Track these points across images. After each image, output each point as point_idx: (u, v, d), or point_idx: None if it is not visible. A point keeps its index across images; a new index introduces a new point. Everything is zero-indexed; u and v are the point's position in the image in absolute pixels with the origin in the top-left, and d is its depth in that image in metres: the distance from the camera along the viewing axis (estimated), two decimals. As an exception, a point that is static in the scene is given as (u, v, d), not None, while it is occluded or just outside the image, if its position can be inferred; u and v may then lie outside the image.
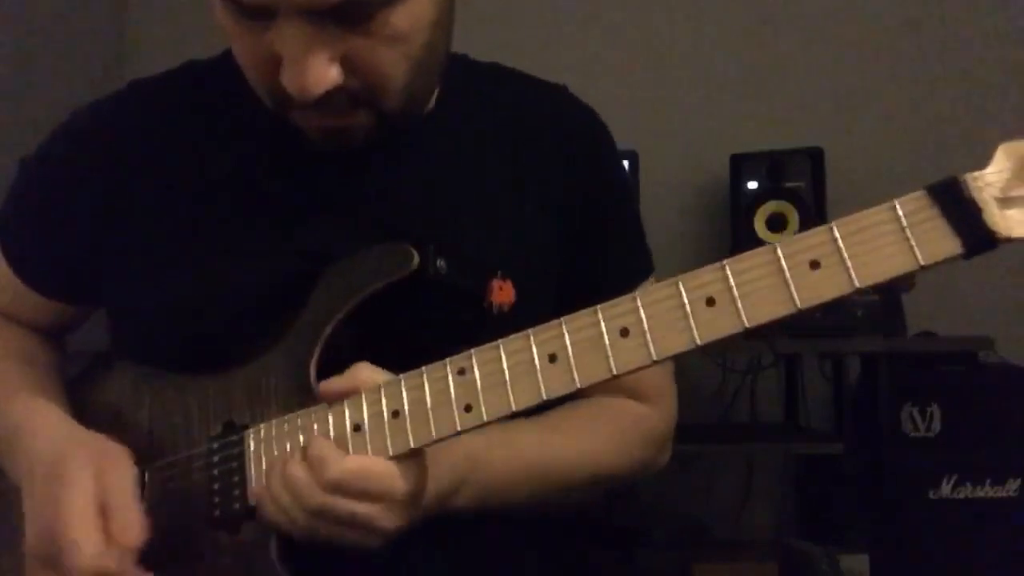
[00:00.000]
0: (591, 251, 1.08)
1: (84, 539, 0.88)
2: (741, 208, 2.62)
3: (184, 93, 1.08)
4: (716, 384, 2.76)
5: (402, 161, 1.02)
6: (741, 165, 2.65)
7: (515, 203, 1.05)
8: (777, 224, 2.56)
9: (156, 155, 1.03)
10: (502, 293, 0.99)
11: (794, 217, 2.55)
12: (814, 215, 2.53)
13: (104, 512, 0.90)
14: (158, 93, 1.08)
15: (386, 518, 0.85)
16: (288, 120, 0.93)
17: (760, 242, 2.52)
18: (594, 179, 1.11)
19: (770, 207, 2.59)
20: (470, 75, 1.12)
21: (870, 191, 2.82)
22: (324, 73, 0.84)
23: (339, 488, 0.83)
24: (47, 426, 1.00)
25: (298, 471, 0.84)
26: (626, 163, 2.63)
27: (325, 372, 0.93)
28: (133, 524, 0.91)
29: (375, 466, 0.84)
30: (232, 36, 0.90)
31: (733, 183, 2.66)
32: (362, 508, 0.83)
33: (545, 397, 0.80)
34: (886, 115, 2.87)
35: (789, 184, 2.59)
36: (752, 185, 2.63)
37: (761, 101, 2.91)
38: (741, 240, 2.58)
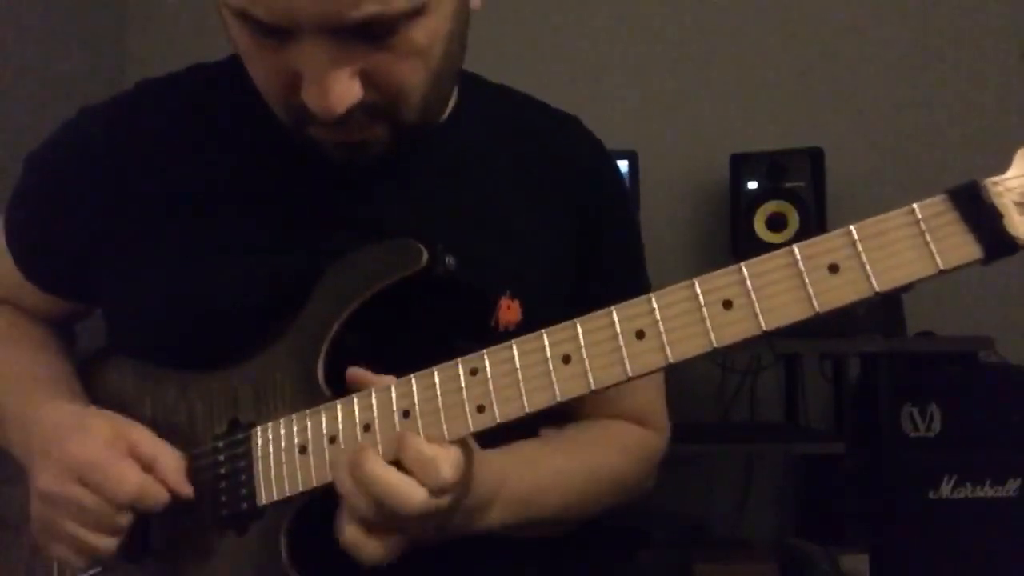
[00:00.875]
0: (591, 282, 1.09)
1: (121, 463, 0.90)
2: (741, 208, 2.62)
3: (191, 95, 1.08)
4: (716, 384, 2.76)
5: (412, 170, 1.02)
6: (741, 165, 2.65)
7: (524, 225, 1.05)
8: (777, 224, 2.56)
9: (162, 156, 1.03)
10: (509, 312, 0.99)
11: (794, 217, 2.55)
12: (814, 215, 2.53)
13: (145, 459, 0.92)
14: (165, 94, 1.08)
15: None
16: (303, 136, 0.93)
17: (760, 242, 2.53)
18: (600, 213, 1.11)
19: (770, 207, 2.59)
20: (484, 96, 1.12)
21: (870, 191, 2.85)
22: (347, 90, 0.84)
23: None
24: (62, 402, 1.01)
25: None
26: (626, 163, 2.63)
27: (331, 369, 0.93)
28: (170, 458, 0.93)
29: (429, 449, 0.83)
30: (247, 54, 0.89)
31: (733, 183, 2.66)
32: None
33: (559, 399, 0.79)
34: (886, 115, 2.87)
35: (789, 184, 2.59)
36: (752, 185, 2.63)
37: (761, 101, 2.91)
38: (741, 240, 2.59)
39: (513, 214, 1.05)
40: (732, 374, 2.75)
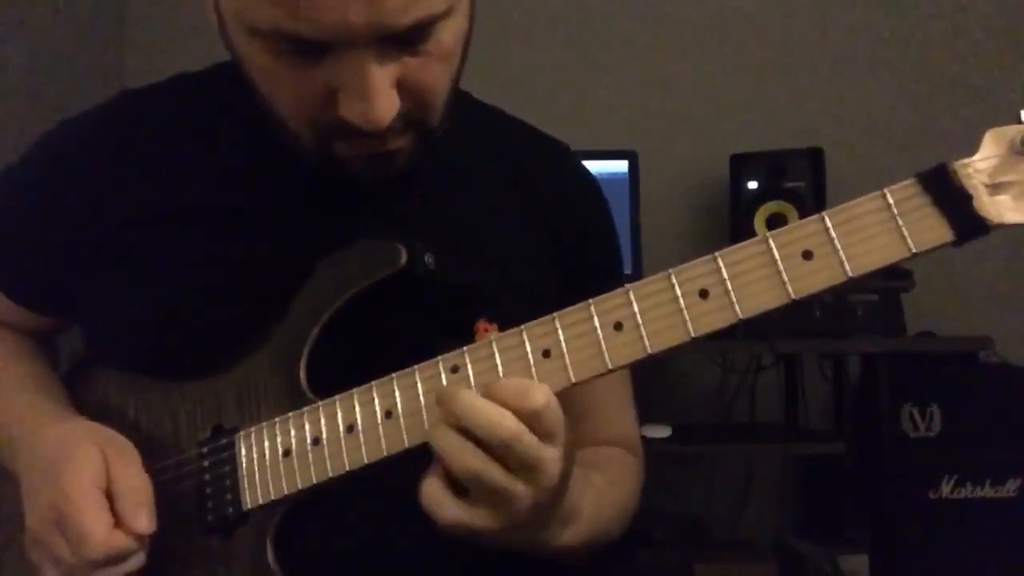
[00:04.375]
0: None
1: (93, 520, 0.88)
2: (741, 208, 2.62)
3: (173, 106, 1.07)
4: (716, 384, 2.75)
5: (393, 189, 1.00)
6: (741, 165, 2.65)
7: (504, 250, 1.05)
8: (777, 224, 2.53)
9: (142, 167, 1.02)
10: (487, 335, 0.98)
11: (794, 217, 2.54)
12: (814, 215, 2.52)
13: (112, 497, 0.91)
14: (147, 105, 1.08)
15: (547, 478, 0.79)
16: (327, 155, 0.92)
17: (759, 242, 2.52)
18: (585, 243, 1.11)
19: (770, 207, 2.58)
20: (472, 116, 1.11)
21: (870, 191, 2.81)
22: (391, 99, 0.84)
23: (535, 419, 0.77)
24: (49, 420, 1.00)
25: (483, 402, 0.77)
26: (626, 163, 2.63)
27: (314, 372, 0.93)
28: (143, 509, 0.91)
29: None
30: (271, 75, 0.87)
31: (733, 183, 2.66)
32: (547, 453, 0.78)
33: None
34: (886, 115, 2.87)
35: (789, 184, 2.59)
36: (752, 185, 2.62)
37: (761, 101, 2.91)
38: (741, 240, 2.56)
39: (493, 239, 1.05)
40: (732, 374, 2.74)
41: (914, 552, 2.24)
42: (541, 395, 0.77)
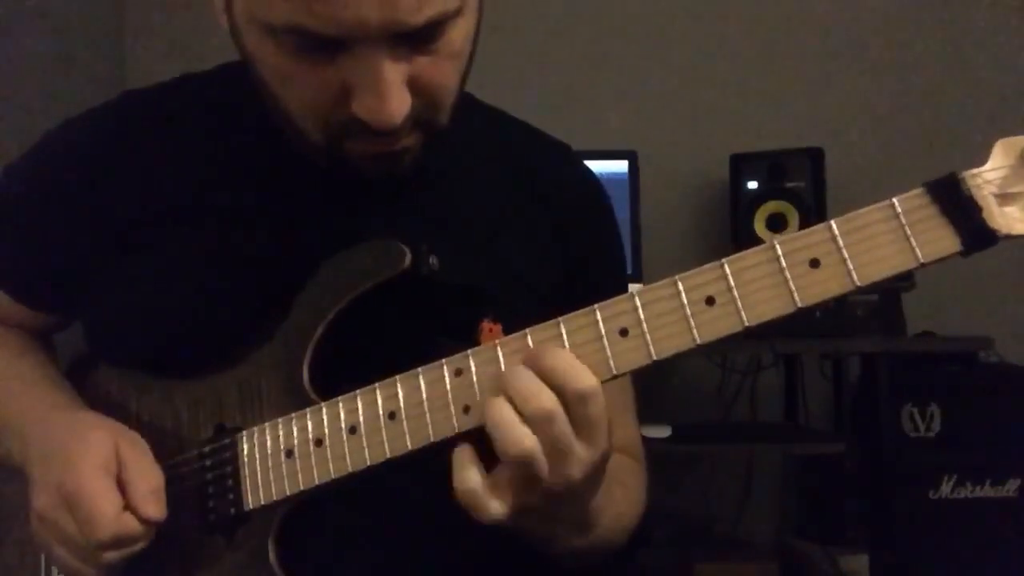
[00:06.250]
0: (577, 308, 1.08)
1: (103, 502, 0.89)
2: (741, 208, 2.62)
3: (178, 107, 1.07)
4: (716, 384, 2.75)
5: (402, 183, 1.00)
6: (741, 165, 2.65)
7: (509, 250, 1.05)
8: (777, 224, 2.56)
9: (147, 167, 1.02)
10: (491, 335, 0.97)
11: (794, 217, 2.55)
12: (814, 215, 2.52)
13: (123, 484, 0.91)
14: (151, 106, 1.08)
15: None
16: (337, 153, 0.91)
17: (760, 242, 2.51)
18: (589, 243, 1.11)
19: (770, 207, 2.58)
20: (476, 118, 1.11)
21: (870, 191, 2.79)
22: (403, 98, 0.84)
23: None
24: (60, 410, 1.00)
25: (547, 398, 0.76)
26: (626, 163, 2.63)
27: (317, 372, 0.93)
28: (154, 497, 0.92)
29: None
30: (284, 73, 0.87)
31: (733, 183, 2.66)
32: (578, 446, 0.77)
33: None
34: (886, 115, 2.87)
35: (789, 184, 2.59)
36: (752, 185, 2.62)
37: (761, 101, 2.91)
38: (741, 240, 2.58)
39: (498, 239, 1.04)
40: (732, 374, 2.75)
41: (914, 552, 2.25)
42: (591, 379, 0.76)
